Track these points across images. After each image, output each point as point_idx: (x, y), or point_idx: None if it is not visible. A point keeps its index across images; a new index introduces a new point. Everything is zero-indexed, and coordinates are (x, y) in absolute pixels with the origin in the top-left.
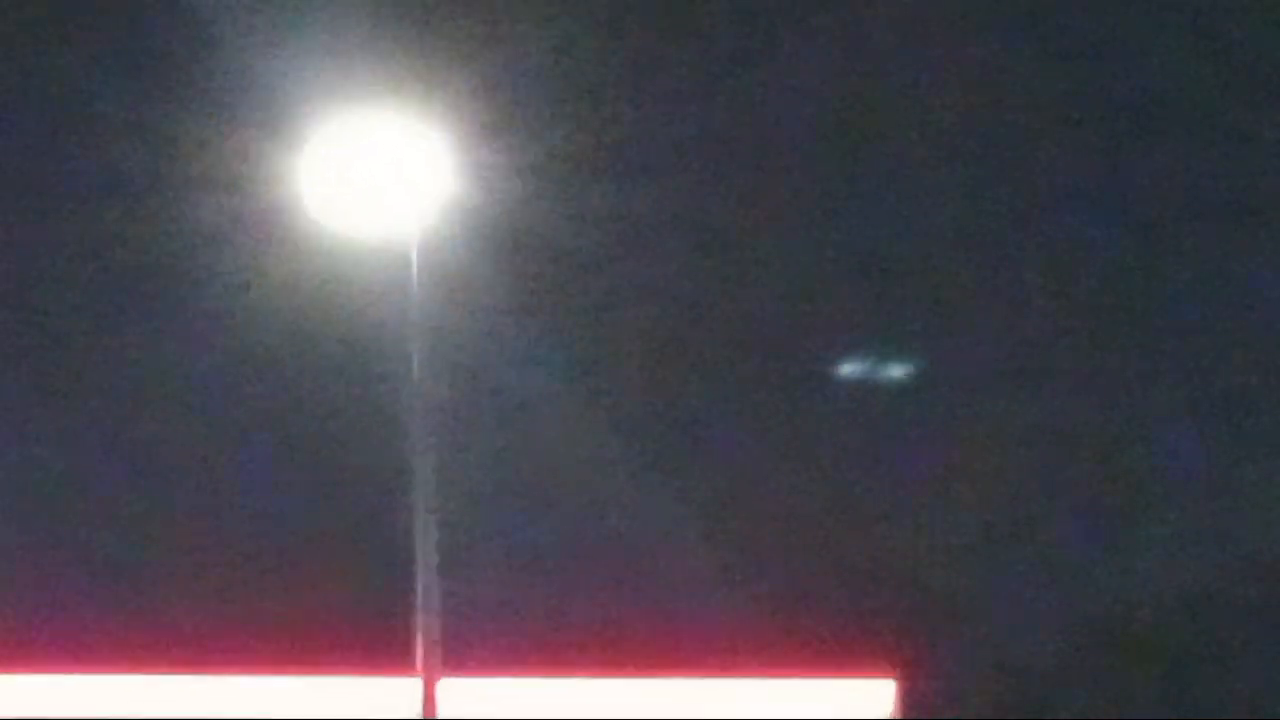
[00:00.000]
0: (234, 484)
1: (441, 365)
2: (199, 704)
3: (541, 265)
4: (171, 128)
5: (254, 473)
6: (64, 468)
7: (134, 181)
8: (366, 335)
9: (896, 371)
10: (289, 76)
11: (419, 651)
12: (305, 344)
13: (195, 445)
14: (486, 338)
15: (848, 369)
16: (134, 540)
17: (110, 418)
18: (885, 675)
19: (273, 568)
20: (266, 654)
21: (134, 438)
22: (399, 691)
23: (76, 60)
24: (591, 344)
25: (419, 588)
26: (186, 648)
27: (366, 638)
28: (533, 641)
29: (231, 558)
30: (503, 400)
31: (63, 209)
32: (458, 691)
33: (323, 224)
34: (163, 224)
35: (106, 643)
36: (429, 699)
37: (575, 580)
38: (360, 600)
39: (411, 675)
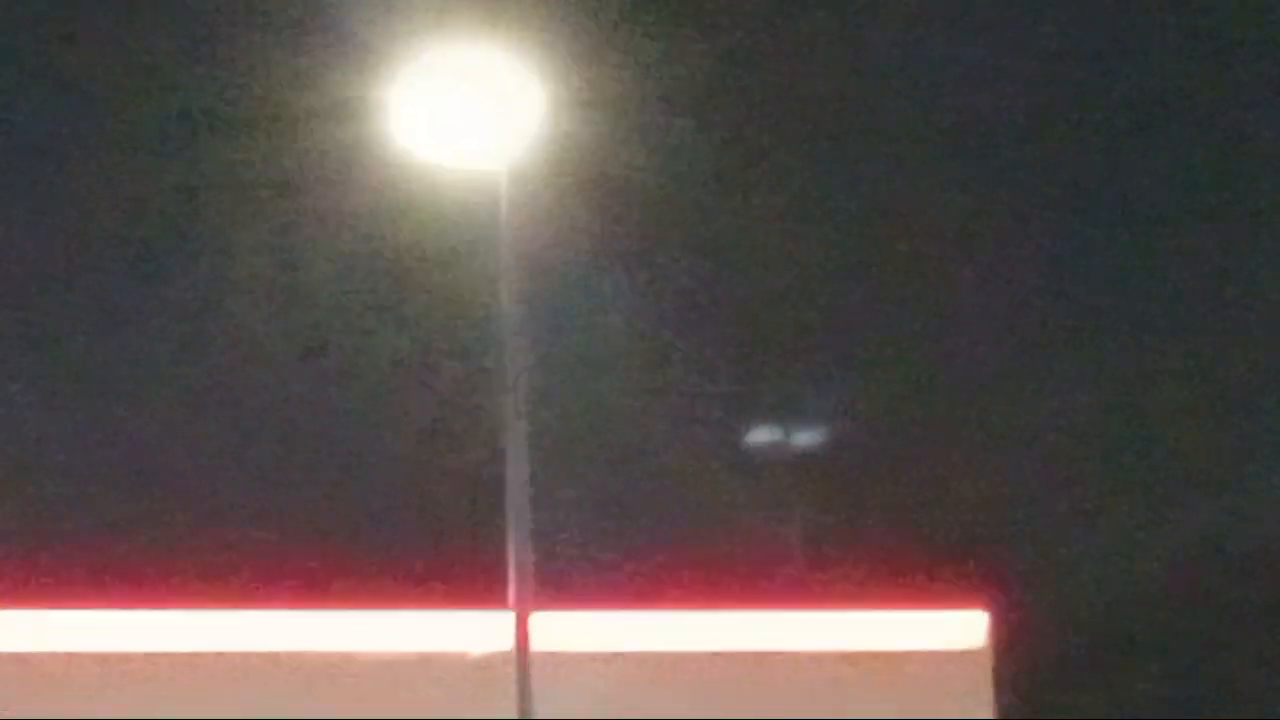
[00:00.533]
0: (322, 418)
1: (530, 298)
2: (293, 638)
3: (630, 199)
4: (261, 60)
5: (343, 406)
6: (154, 397)
7: (225, 114)
8: (455, 267)
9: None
10: (379, 6)
11: (511, 585)
12: (394, 276)
13: (286, 378)
14: (575, 271)
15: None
16: (226, 475)
17: (200, 346)
18: (978, 607)
19: (365, 504)
20: (360, 589)
21: (225, 367)
22: (492, 625)
23: None
24: (679, 279)
25: (510, 522)
26: (280, 584)
27: (459, 572)
28: (625, 575)
29: (322, 493)
30: (592, 334)
31: (153, 141)
32: (550, 625)
33: (412, 155)
34: (255, 156)
35: (209, 578)
36: (522, 632)
37: (667, 513)
38: (452, 535)
39: (504, 609)
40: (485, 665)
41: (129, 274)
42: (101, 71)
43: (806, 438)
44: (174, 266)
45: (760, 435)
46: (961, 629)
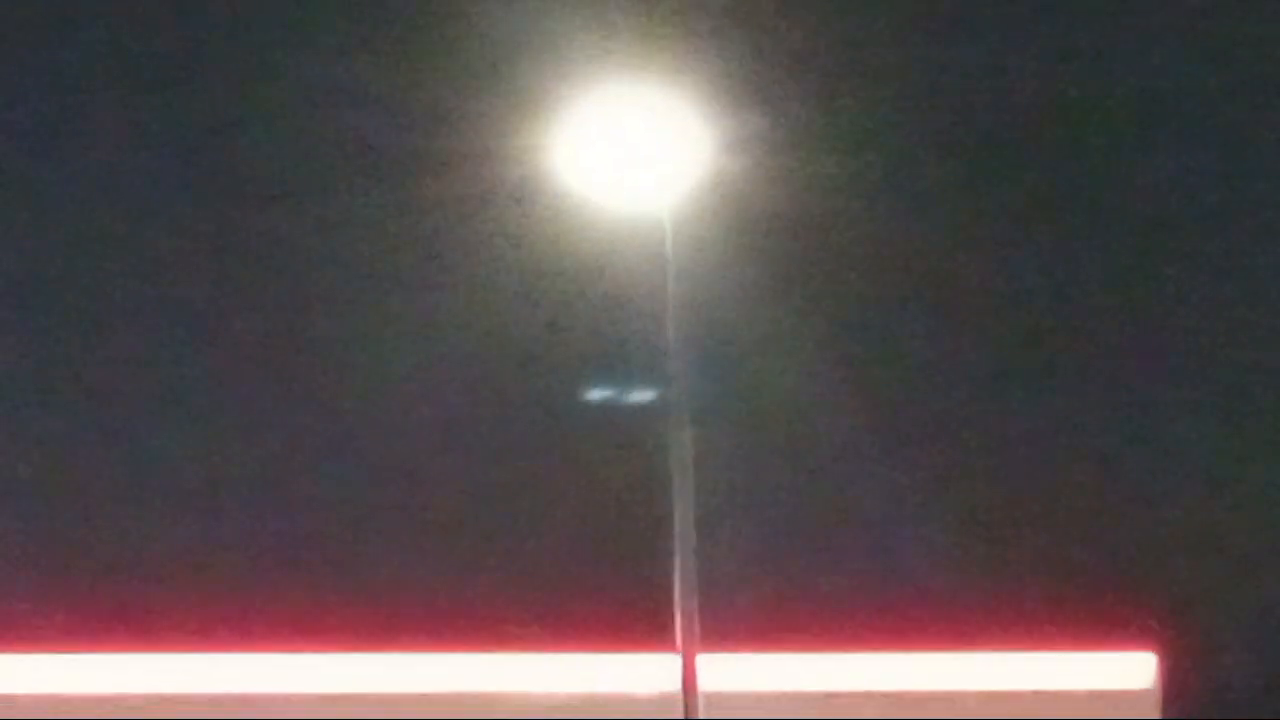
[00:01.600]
0: (484, 461)
1: (696, 339)
2: (459, 680)
3: (796, 239)
4: (426, 100)
5: (506, 449)
6: (306, 436)
7: (390, 155)
8: (621, 308)
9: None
10: (543, 49)
11: (678, 627)
12: (559, 318)
13: (448, 420)
14: (741, 312)
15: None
16: (395, 520)
17: (360, 387)
18: (1147, 649)
19: (530, 546)
20: (526, 632)
21: (387, 410)
22: (658, 667)
23: (332, 31)
24: (845, 318)
25: (676, 564)
26: (445, 626)
27: (625, 615)
28: (790, 617)
29: (486, 535)
30: (757, 374)
31: (318, 182)
32: (717, 667)
33: (577, 196)
34: (418, 197)
35: (382, 621)
36: (688, 674)
37: (832, 555)
38: (618, 577)
39: (670, 652)
40: (652, 706)
41: (281, 319)
42: (270, 109)
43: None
44: (330, 310)
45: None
46: (1129, 670)
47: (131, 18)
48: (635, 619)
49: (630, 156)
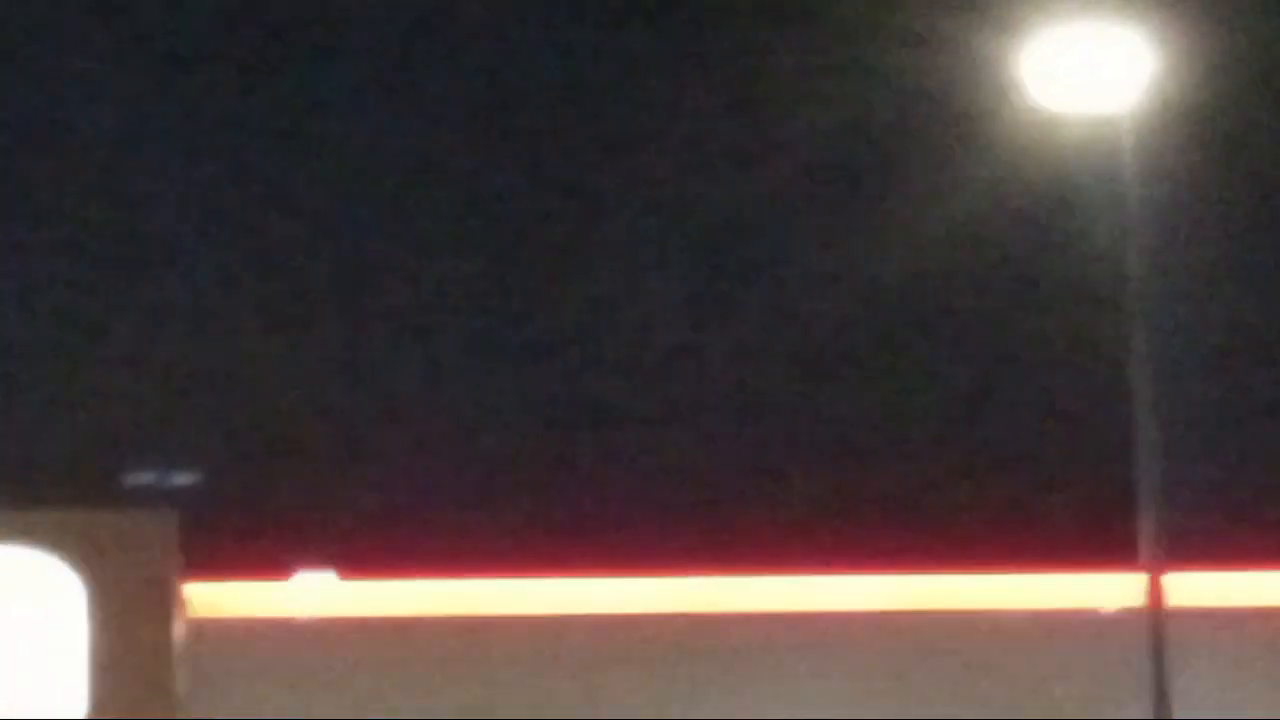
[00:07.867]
0: (954, 381)
1: (1155, 244)
2: (913, 598)
3: (1247, 144)
4: (891, 21)
5: (960, 360)
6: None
7: (855, 71)
8: (1082, 215)
9: None
10: None
11: (1144, 546)
12: (1022, 224)
13: (898, 332)
14: (1199, 216)
15: None
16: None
17: (800, 295)
18: None
19: (996, 465)
20: (996, 551)
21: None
22: (1124, 587)
23: None
24: None
25: (1141, 481)
26: (908, 545)
27: (1092, 534)
28: (1257, 532)
29: (952, 451)
30: (1218, 279)
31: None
32: (1183, 585)
33: (1040, 106)
34: (886, 113)
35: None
36: (1155, 593)
37: None
38: (1085, 497)
39: (1137, 571)
40: (1119, 624)
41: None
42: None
43: None
44: (781, 216)
45: None
46: None
47: None
48: (1102, 538)
49: (1087, 61)
